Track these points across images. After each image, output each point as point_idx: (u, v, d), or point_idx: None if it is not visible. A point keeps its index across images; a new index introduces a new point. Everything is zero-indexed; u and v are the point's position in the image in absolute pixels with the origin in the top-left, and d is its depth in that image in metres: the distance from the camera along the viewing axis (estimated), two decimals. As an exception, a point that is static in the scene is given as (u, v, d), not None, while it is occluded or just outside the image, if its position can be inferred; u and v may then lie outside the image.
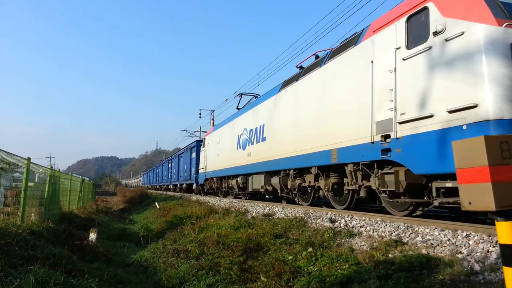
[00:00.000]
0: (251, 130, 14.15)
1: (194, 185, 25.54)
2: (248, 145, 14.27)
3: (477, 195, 2.03)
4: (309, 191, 10.61)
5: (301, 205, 11.12)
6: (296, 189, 10.94)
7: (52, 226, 7.68)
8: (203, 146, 22.23)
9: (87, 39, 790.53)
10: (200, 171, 22.74)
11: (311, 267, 4.90)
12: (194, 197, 21.50)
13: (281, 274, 4.78)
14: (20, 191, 7.53)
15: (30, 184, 8.42)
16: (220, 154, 18.40)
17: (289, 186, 11.19)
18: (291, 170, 10.88)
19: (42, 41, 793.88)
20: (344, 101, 8.30)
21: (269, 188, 12.62)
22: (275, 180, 11.92)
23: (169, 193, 33.61)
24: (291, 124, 10.74)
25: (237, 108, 18.41)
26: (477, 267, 3.78)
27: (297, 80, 10.73)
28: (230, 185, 17.45)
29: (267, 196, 16.18)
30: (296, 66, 11.39)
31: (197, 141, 26.92)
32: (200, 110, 56.92)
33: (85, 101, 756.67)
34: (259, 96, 15.68)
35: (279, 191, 11.87)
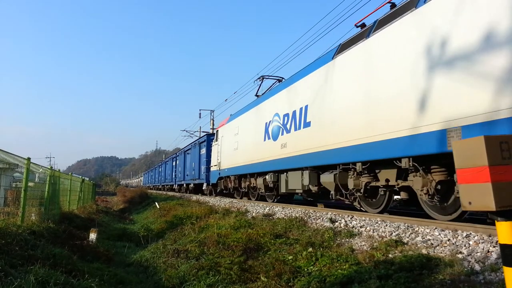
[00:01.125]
0: (286, 115, 11.07)
1: (205, 185, 22.26)
2: (282, 134, 11.22)
3: (477, 195, 2.03)
4: (382, 193, 7.83)
5: (366, 211, 8.42)
6: (362, 190, 8.02)
7: (52, 226, 7.68)
8: (216, 140, 19.03)
9: (87, 39, 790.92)
10: (212, 168, 19.57)
11: (311, 267, 4.90)
12: (194, 197, 21.49)
13: (281, 274, 4.78)
14: (20, 191, 7.53)
15: (30, 184, 8.42)
16: (239, 148, 15.35)
17: (350, 186, 8.25)
18: (358, 164, 7.79)
19: (42, 40, 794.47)
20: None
21: (314, 188, 9.76)
22: (327, 178, 8.91)
23: (169, 193, 33.57)
24: (360, 100, 7.68)
25: (256, 95, 15.72)
26: (477, 267, 3.78)
27: (367, 37, 7.71)
28: (252, 185, 14.39)
29: (302, 198, 13.13)
30: (355, 25, 8.58)
31: (207, 135, 23.77)
32: (200, 110, 56.99)
33: (85, 101, 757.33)
34: (293, 75, 11.45)
35: (332, 192, 8.94)
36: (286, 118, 11.11)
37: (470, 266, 3.83)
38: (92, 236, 7.94)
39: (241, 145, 15.27)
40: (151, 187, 57.58)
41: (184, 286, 4.96)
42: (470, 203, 2.09)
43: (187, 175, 28.35)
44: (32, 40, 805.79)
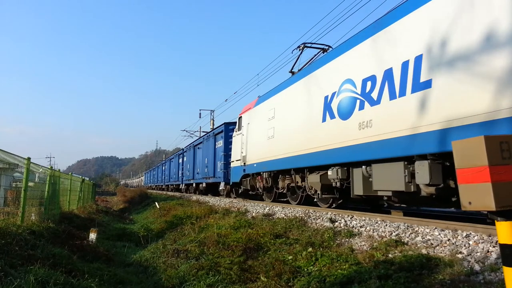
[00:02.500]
0: (369, 80, 7.47)
1: (222, 184, 18.48)
2: (360, 109, 7.66)
3: (477, 195, 2.03)
4: None
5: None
6: None
7: (52, 226, 7.68)
8: (238, 129, 15.47)
9: (87, 39, 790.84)
10: (233, 164, 15.90)
11: (311, 267, 4.90)
12: (194, 197, 21.46)
13: (281, 274, 4.78)
14: (20, 191, 7.53)
15: (30, 184, 8.42)
16: (276, 136, 11.73)
17: None
18: None
19: (43, 40, 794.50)
20: None
21: (430, 190, 6.19)
22: None
23: (169, 193, 33.52)
24: None
25: (291, 72, 12.36)
26: (477, 267, 3.78)
27: None
28: (297, 184, 10.93)
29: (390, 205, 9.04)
30: None
31: (225, 124, 18.98)
32: (200, 110, 56.99)
33: (85, 101, 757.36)
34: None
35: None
36: (369, 83, 7.48)
37: (470, 266, 3.83)
38: (92, 236, 7.93)
39: (279, 131, 11.52)
40: (153, 187, 54.15)
41: (184, 286, 4.96)
42: (470, 203, 2.09)
43: (197, 173, 24.40)
44: (32, 40, 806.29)
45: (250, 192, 15.06)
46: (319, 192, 9.60)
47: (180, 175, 31.77)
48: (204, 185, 22.55)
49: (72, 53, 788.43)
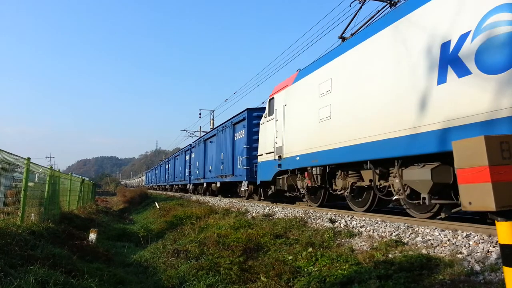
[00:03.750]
0: None
1: (244, 184, 14.87)
2: None
3: (477, 195, 2.03)
4: None
5: None
6: None
7: (52, 226, 7.68)
8: (269, 114, 12.24)
9: (87, 39, 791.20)
10: (263, 158, 12.58)
11: (311, 267, 4.90)
12: (194, 197, 21.44)
13: (281, 274, 4.78)
14: (20, 191, 7.53)
15: (30, 184, 8.41)
16: (336, 116, 8.53)
17: None
18: None
19: (43, 40, 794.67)
20: None
21: None
22: None
23: (169, 193, 33.48)
24: None
25: (342, 38, 9.89)
26: (477, 267, 3.78)
27: None
28: (375, 183, 7.53)
29: None
30: None
31: (247, 110, 15.28)
32: (200, 110, 56.99)
33: (85, 101, 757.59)
34: None
35: None
36: None
37: (470, 266, 3.83)
38: (92, 236, 7.93)
39: (341, 110, 8.33)
40: (155, 187, 51.09)
41: (184, 286, 4.96)
42: (470, 203, 2.09)
43: (209, 172, 20.99)
44: (32, 40, 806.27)
45: (288, 194, 11.47)
46: (425, 195, 6.12)
47: (187, 174, 28.08)
48: (218, 184, 18.96)
49: (72, 53, 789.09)
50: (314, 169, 9.61)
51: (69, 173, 17.41)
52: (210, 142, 21.73)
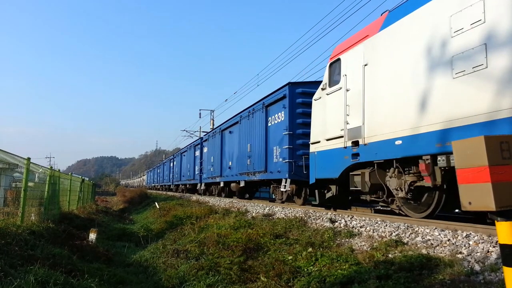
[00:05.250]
0: None
1: (286, 183, 11.10)
2: None
3: (477, 195, 2.03)
4: None
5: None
6: None
7: (52, 226, 7.68)
8: (333, 83, 8.64)
9: (87, 38, 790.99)
10: (323, 147, 8.98)
11: (311, 267, 4.90)
12: (194, 197, 21.43)
13: (281, 274, 4.78)
14: (20, 191, 7.53)
15: (30, 184, 8.42)
16: (497, 62, 5.00)
17: None
18: None
19: (43, 40, 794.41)
20: None
21: None
22: None
23: (169, 193, 33.46)
24: None
25: None
26: (477, 267, 3.78)
27: None
28: None
29: None
30: None
31: (289, 85, 11.44)
32: (200, 110, 57.01)
33: (85, 101, 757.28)
34: None
35: None
36: None
37: (470, 266, 3.83)
38: (92, 236, 7.93)
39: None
40: (158, 187, 47.86)
41: (184, 286, 4.96)
42: (470, 203, 2.09)
43: (228, 168, 17.33)
44: (32, 40, 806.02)
45: (369, 198, 7.89)
46: None
47: (196, 172, 24.21)
48: (241, 184, 15.36)
49: (72, 53, 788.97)
50: (442, 158, 5.64)
51: (69, 173, 17.41)
52: (230, 132, 17.57)
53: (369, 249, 5.15)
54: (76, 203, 15.73)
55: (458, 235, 4.86)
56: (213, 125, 38.16)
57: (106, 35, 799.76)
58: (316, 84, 10.58)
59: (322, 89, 9.13)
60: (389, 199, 7.49)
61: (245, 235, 6.76)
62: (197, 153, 24.85)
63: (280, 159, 11.65)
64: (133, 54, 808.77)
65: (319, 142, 9.14)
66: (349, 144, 7.83)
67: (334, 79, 8.74)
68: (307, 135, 10.14)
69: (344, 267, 4.55)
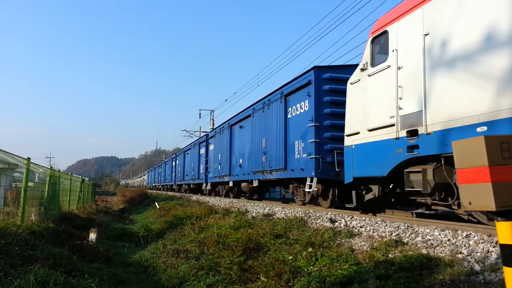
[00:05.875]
0: None
1: (312, 182, 9.52)
2: None
3: (477, 195, 2.03)
4: None
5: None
6: None
7: (52, 226, 7.68)
8: (377, 62, 7.35)
9: (87, 39, 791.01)
10: (364, 138, 7.48)
11: (311, 267, 4.90)
12: (194, 197, 21.43)
13: (281, 274, 4.78)
14: (20, 191, 7.54)
15: (30, 184, 8.42)
16: None
17: None
18: None
19: (43, 40, 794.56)
20: None
21: None
22: None
23: (170, 193, 33.45)
24: None
25: None
26: (477, 267, 3.78)
27: None
28: None
29: None
30: None
31: (315, 69, 10.02)
32: (200, 110, 57.04)
33: (85, 101, 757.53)
34: None
35: None
36: None
37: (470, 266, 3.84)
38: (92, 236, 7.94)
39: None
40: (159, 187, 46.45)
41: (184, 286, 4.96)
42: (470, 203, 2.09)
43: (239, 166, 15.91)
44: (32, 40, 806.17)
45: (430, 201, 6.42)
46: None
47: (201, 171, 22.86)
48: (255, 183, 13.99)
49: (72, 52, 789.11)
50: None
51: (69, 173, 17.42)
52: (240, 127, 16.10)
53: (369, 249, 5.15)
54: (76, 203, 15.73)
55: (458, 235, 4.87)
56: (213, 125, 38.13)
57: (106, 35, 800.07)
58: (346, 68, 9.73)
59: (362, 69, 7.62)
60: (456, 202, 5.94)
61: (245, 235, 6.76)
62: (202, 151, 23.23)
63: (304, 155, 10.11)
64: (133, 54, 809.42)
65: (357, 133, 7.64)
66: (403, 134, 6.42)
67: (378, 57, 7.40)
68: (336, 127, 9.25)
69: (344, 267, 4.56)
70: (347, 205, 9.01)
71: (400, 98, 6.52)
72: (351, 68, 8.79)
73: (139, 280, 5.56)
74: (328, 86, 9.77)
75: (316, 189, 9.48)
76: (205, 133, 28.86)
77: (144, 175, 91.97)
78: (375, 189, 7.51)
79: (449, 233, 5.03)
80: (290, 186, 11.74)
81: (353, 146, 7.78)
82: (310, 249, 5.41)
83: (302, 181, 10.38)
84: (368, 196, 7.71)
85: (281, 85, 12.01)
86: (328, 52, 30.64)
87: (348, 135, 7.97)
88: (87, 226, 9.94)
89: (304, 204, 10.99)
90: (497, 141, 2.02)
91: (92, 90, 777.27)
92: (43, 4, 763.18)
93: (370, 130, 7.25)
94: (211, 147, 21.35)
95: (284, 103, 11.59)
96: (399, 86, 6.56)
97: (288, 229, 7.09)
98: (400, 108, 6.53)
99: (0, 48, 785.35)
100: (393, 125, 6.62)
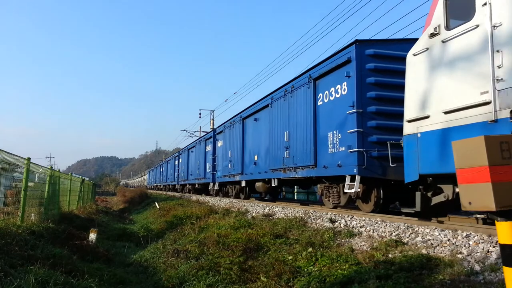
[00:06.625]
0: None
1: (355, 181, 7.94)
2: None
3: (477, 195, 2.03)
4: None
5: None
6: None
7: (52, 226, 7.68)
8: (457, 21, 5.78)
9: (87, 39, 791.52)
10: (437, 124, 5.81)
11: (311, 267, 4.91)
12: (194, 197, 21.44)
13: (281, 274, 4.78)
14: (20, 191, 7.54)
15: (30, 184, 8.43)
16: None
17: None
18: None
19: (43, 40, 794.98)
20: None
21: None
22: None
23: (169, 193, 33.45)
24: None
25: None
26: (477, 267, 3.78)
27: None
28: None
29: None
30: None
31: (357, 43, 8.39)
32: (200, 110, 57.06)
33: (85, 101, 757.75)
34: None
35: None
36: None
37: (470, 266, 3.84)
38: (92, 236, 7.94)
39: None
40: (161, 187, 44.74)
41: (184, 286, 4.96)
42: (470, 203, 2.09)
43: (253, 164, 14.32)
44: (32, 40, 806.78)
45: None
46: None
47: (208, 170, 21.14)
48: (274, 182, 12.30)
49: (72, 52, 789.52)
50: None
51: (69, 173, 17.42)
52: (255, 120, 14.37)
53: (369, 249, 5.15)
54: (76, 203, 15.74)
55: (458, 235, 4.87)
56: (213, 125, 38.13)
57: (106, 35, 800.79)
58: (393, 43, 8.33)
59: (432, 35, 6.05)
60: None
61: (245, 235, 6.76)
62: (209, 148, 21.26)
63: (342, 149, 8.56)
64: (132, 53, 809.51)
65: (426, 117, 6.06)
66: (505, 114, 4.92)
67: (458, 16, 5.93)
68: (383, 114, 8.03)
69: (344, 267, 4.56)
70: (403, 210, 7.24)
71: (499, 67, 5.02)
72: (400, 42, 7.70)
73: (139, 280, 5.57)
74: (373, 65, 8.22)
75: (359, 189, 7.93)
76: (205, 132, 28.47)
77: (144, 174, 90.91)
78: (448, 190, 5.91)
79: (449, 233, 5.03)
80: (319, 186, 10.28)
81: (419, 135, 6.17)
82: (310, 249, 5.41)
83: (337, 180, 9.02)
84: (438, 199, 6.14)
85: (309, 68, 10.39)
86: (328, 52, 30.60)
87: (410, 121, 6.33)
88: (87, 226, 9.94)
89: (336, 207, 9.55)
90: (497, 141, 2.02)
91: (92, 90, 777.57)
92: (44, 5, 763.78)
93: (447, 113, 5.65)
94: (219, 144, 19.48)
95: (313, 88, 9.91)
96: (496, 51, 5.05)
97: (288, 229, 7.09)
98: (498, 80, 4.99)
99: (1, 49, 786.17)
100: (487, 103, 5.08)
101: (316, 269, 4.81)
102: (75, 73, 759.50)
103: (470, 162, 2.08)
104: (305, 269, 4.89)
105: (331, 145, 8.99)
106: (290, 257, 5.33)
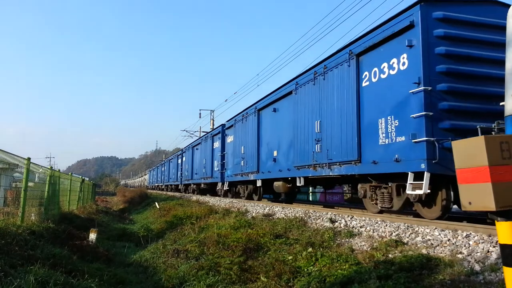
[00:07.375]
0: None
1: (423, 179, 6.14)
2: None
3: (477, 195, 2.03)
4: None
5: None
6: None
7: (52, 226, 7.68)
8: None
9: (87, 38, 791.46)
10: None
11: (311, 267, 4.91)
12: (194, 197, 21.43)
13: (281, 274, 4.78)
14: (20, 191, 7.54)
15: (30, 184, 8.43)
16: None
17: None
18: None
19: (43, 40, 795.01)
20: None
21: None
22: None
23: (169, 193, 33.43)
24: None
25: None
26: (477, 267, 3.78)
27: None
28: None
29: None
30: None
31: (421, 4, 6.60)
32: (200, 110, 57.07)
33: (85, 101, 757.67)
34: None
35: None
36: None
37: (470, 266, 3.84)
38: (92, 236, 7.94)
39: None
40: (162, 187, 42.74)
41: (184, 286, 4.96)
42: (470, 203, 2.09)
43: (272, 161, 12.51)
44: (32, 40, 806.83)
45: None
46: None
47: (215, 169, 19.38)
48: (300, 182, 10.58)
49: (72, 52, 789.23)
50: None
51: (69, 173, 17.42)
52: (274, 110, 12.49)
53: (369, 249, 5.15)
54: (76, 203, 15.74)
55: (458, 235, 4.87)
56: (213, 125, 38.12)
57: (106, 34, 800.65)
58: (466, 3, 6.98)
59: None
60: None
61: (245, 235, 6.76)
62: (217, 144, 19.35)
63: (400, 138, 6.83)
64: (132, 53, 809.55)
65: None
66: None
67: None
68: (458, 94, 6.55)
69: (344, 267, 4.56)
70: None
71: None
72: (475, 3, 6.51)
73: (139, 280, 5.57)
74: (442, 31, 6.70)
75: (428, 190, 6.18)
76: (205, 132, 27.75)
77: (145, 174, 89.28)
78: None
79: (449, 233, 5.03)
80: (360, 185, 8.53)
81: None
82: (310, 249, 5.41)
83: (390, 178, 7.42)
84: None
85: (348, 42, 8.57)
86: (329, 52, 30.56)
87: None
88: (87, 226, 9.94)
89: (382, 211, 8.00)
90: (497, 141, 2.02)
91: (92, 90, 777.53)
92: (43, 4, 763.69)
93: None
94: (229, 139, 17.51)
95: (355, 66, 8.12)
96: None
97: (288, 229, 7.09)
98: None
99: (1, 48, 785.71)
100: None
101: (316, 269, 4.81)
102: (75, 71, 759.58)
103: (470, 162, 2.08)
104: (305, 269, 4.89)
105: (383, 135, 7.26)
106: (290, 257, 5.33)
